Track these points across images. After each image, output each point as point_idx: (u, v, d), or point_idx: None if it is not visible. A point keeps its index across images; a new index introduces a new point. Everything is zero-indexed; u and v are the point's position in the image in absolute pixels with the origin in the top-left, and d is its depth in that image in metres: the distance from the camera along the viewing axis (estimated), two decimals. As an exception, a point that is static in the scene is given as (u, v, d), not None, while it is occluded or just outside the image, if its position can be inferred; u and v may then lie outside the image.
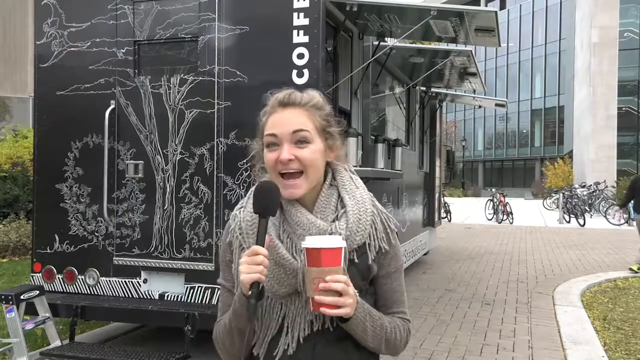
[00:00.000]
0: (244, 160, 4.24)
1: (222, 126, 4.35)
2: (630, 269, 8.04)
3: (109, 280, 4.60)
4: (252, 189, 1.43)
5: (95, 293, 4.62)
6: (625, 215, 19.06)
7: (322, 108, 1.46)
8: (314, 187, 1.43)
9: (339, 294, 1.28)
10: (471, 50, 6.71)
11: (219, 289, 1.52)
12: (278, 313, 1.40)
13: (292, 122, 1.40)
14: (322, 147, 1.44)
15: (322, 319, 1.38)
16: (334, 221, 1.42)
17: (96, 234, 4.65)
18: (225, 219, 4.18)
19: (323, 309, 1.28)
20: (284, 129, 1.39)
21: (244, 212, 1.45)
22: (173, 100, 4.48)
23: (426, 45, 8.40)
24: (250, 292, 1.25)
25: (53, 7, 4.76)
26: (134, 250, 4.55)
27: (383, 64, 6.45)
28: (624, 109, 31.38)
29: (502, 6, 50.48)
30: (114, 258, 4.58)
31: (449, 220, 18.43)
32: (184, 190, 4.44)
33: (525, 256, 11.12)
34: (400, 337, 1.48)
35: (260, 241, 1.29)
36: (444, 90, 10.08)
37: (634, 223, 18.23)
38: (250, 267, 1.25)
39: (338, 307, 1.29)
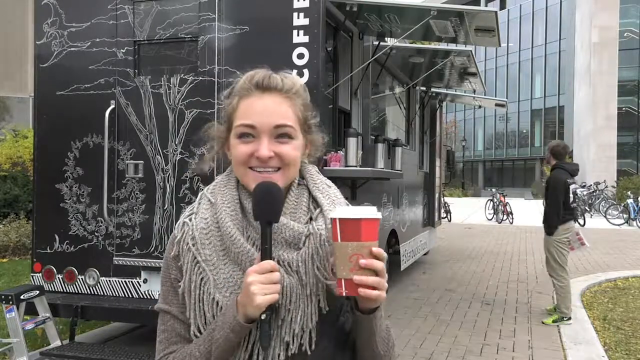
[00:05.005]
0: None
1: (222, 126, 4.35)
2: (553, 321, 6.17)
3: (109, 280, 4.60)
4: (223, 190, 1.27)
5: (95, 293, 4.62)
6: (625, 215, 19.09)
7: (303, 96, 1.26)
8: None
9: (376, 273, 1.07)
10: (471, 50, 6.72)
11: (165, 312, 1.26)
12: (247, 337, 1.16)
13: (274, 113, 1.19)
14: (303, 143, 1.25)
15: (299, 340, 1.16)
16: (307, 222, 1.22)
17: (96, 234, 4.65)
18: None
19: (363, 290, 1.06)
20: (264, 121, 1.19)
21: (196, 219, 1.24)
22: (173, 100, 4.48)
23: (426, 45, 8.40)
24: (264, 316, 1.09)
25: (53, 7, 4.76)
26: (134, 250, 4.55)
27: (383, 64, 6.44)
28: (624, 109, 31.39)
29: (502, 6, 50.48)
30: (114, 258, 4.58)
31: (449, 220, 18.43)
32: (184, 190, 4.44)
33: (525, 256, 11.12)
34: (393, 346, 1.28)
35: (268, 254, 1.11)
36: (444, 90, 10.08)
37: (634, 223, 18.46)
38: (266, 286, 1.07)
39: (376, 289, 1.07)
